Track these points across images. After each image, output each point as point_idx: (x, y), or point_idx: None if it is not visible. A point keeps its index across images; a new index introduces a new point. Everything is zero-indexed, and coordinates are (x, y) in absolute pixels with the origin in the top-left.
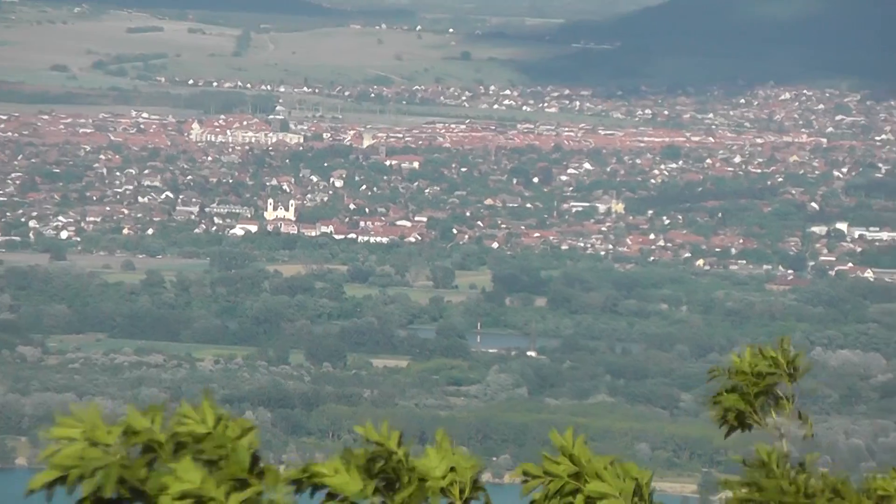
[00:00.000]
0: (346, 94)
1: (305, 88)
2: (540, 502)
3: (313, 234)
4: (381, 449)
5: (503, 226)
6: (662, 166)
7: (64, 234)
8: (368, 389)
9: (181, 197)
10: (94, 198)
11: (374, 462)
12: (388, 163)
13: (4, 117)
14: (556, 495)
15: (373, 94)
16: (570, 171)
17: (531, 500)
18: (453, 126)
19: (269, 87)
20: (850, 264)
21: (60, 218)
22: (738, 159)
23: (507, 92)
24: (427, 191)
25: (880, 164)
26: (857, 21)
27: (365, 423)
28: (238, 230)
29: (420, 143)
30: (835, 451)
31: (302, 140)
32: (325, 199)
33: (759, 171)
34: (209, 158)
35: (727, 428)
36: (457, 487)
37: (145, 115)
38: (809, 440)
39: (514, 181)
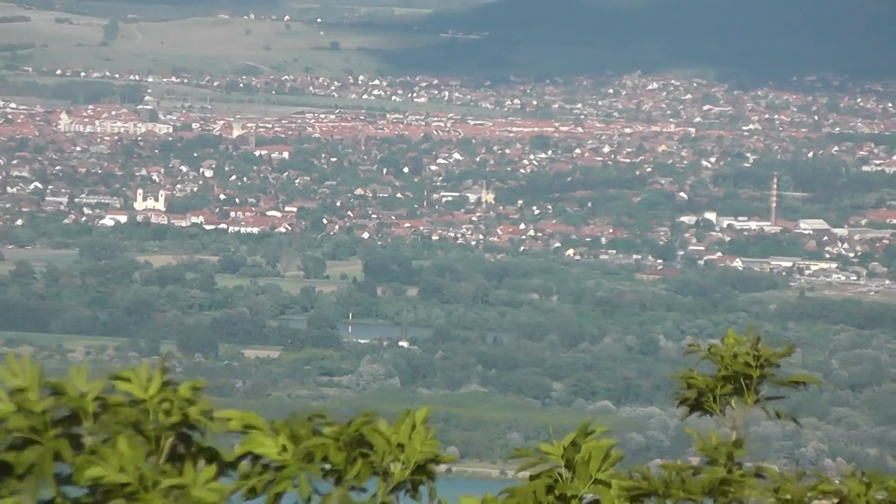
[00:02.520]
0: (215, 84)
1: (174, 78)
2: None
3: (183, 224)
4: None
5: (374, 216)
6: (532, 156)
7: None
8: (241, 380)
9: (50, 187)
10: None
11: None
12: (257, 153)
13: None
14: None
15: (242, 85)
16: (439, 161)
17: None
18: (323, 116)
19: (137, 77)
20: (719, 254)
21: None
22: (606, 149)
23: (377, 82)
24: (297, 181)
25: (748, 154)
26: (722, 10)
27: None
28: (108, 221)
29: (290, 133)
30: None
31: (171, 130)
32: (195, 189)
33: (627, 160)
34: (78, 149)
35: (686, 410)
36: (398, 466)
37: (13, 105)
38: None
39: (384, 171)
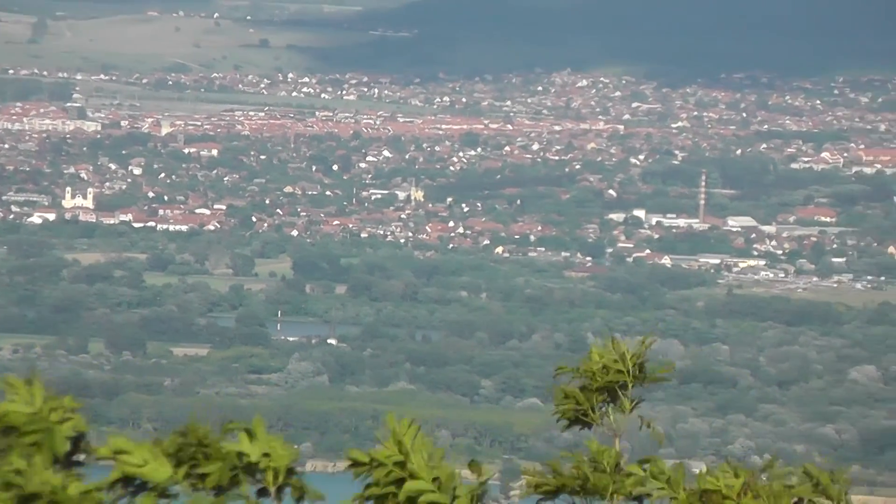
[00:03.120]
0: (144, 81)
1: (103, 76)
2: (363, 492)
3: (112, 222)
4: (192, 435)
5: (303, 213)
6: (461, 154)
7: None
8: (169, 378)
9: None
10: None
11: (185, 448)
12: (186, 151)
13: None
14: (382, 484)
15: (171, 82)
16: (369, 158)
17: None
18: (252, 114)
19: (66, 74)
20: (648, 251)
21: None
22: (536, 146)
23: (306, 79)
24: (226, 179)
25: (676, 152)
26: (651, 7)
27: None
28: (36, 218)
29: (219, 130)
30: (633, 438)
31: (100, 128)
32: (124, 187)
33: (557, 158)
34: (6, 146)
35: (566, 423)
36: (270, 473)
37: None
38: (656, 441)
39: (314, 169)
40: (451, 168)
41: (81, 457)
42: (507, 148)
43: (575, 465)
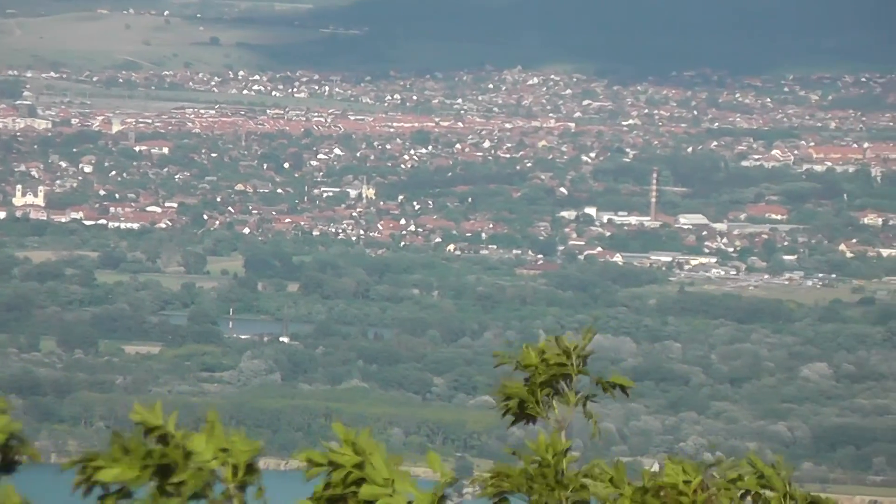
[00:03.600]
0: (95, 79)
1: (53, 74)
2: (319, 492)
3: (63, 220)
4: (156, 433)
5: (254, 211)
6: (412, 151)
7: None
8: (121, 376)
9: None
10: None
11: (151, 449)
12: (137, 148)
13: None
14: (339, 485)
15: (121, 80)
16: (320, 156)
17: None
18: (203, 111)
19: (16, 72)
20: (599, 248)
21: None
22: (487, 144)
23: (257, 77)
24: (177, 176)
25: (627, 149)
26: (602, 5)
27: (135, 408)
28: None
29: (170, 128)
30: (584, 435)
31: (50, 126)
32: (75, 185)
33: (508, 156)
34: None
35: (511, 418)
36: (229, 469)
37: None
38: (596, 437)
39: (265, 166)
40: (403, 166)
41: (17, 458)
42: (458, 146)
43: (521, 470)
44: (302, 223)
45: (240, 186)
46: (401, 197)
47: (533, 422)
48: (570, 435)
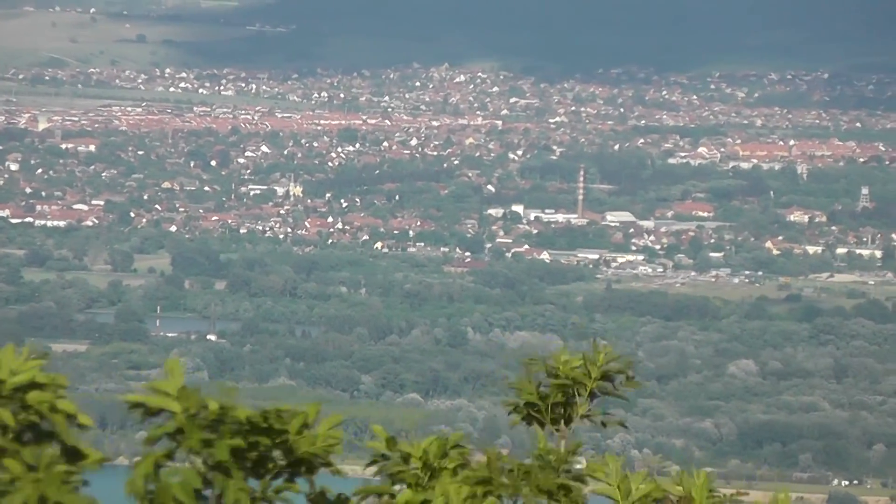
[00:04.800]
0: (21, 77)
1: None
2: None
3: None
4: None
5: (181, 209)
6: (340, 149)
7: None
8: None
9: None
10: None
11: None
12: (64, 146)
13: None
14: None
15: (48, 77)
16: (247, 154)
17: None
18: (129, 109)
19: None
20: (526, 246)
21: None
22: (414, 142)
23: (184, 75)
24: (104, 174)
25: (554, 147)
26: (529, 2)
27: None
28: None
29: (96, 126)
30: (514, 433)
31: None
32: (1, 182)
33: (435, 153)
34: None
35: (516, 417)
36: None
37: None
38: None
39: (192, 164)
40: (330, 163)
41: None
42: (385, 143)
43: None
44: (229, 221)
45: (167, 184)
46: (328, 195)
47: (541, 425)
48: (569, 442)
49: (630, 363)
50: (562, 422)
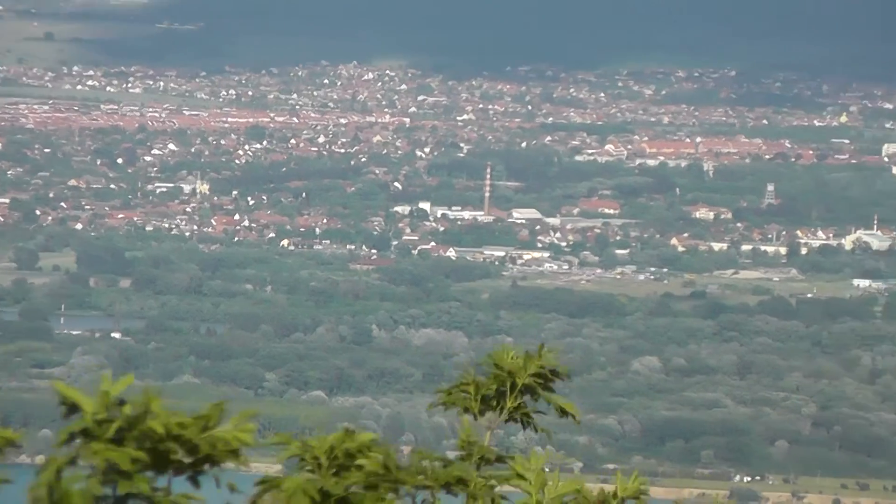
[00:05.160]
0: None
1: None
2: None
3: None
4: None
5: (87, 207)
6: (247, 147)
7: None
8: None
9: None
10: None
11: None
12: None
13: None
14: None
15: None
16: (154, 151)
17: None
18: (36, 107)
19: None
20: (433, 243)
21: None
22: (322, 139)
23: (91, 72)
24: (10, 172)
25: (462, 144)
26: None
27: None
28: None
29: (3, 123)
30: (417, 430)
31: None
32: None
33: (342, 151)
34: None
35: (439, 403)
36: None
37: None
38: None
39: (98, 162)
40: (237, 161)
41: None
42: (292, 141)
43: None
44: (135, 218)
45: (73, 182)
46: (235, 192)
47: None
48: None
49: (567, 370)
50: (491, 413)
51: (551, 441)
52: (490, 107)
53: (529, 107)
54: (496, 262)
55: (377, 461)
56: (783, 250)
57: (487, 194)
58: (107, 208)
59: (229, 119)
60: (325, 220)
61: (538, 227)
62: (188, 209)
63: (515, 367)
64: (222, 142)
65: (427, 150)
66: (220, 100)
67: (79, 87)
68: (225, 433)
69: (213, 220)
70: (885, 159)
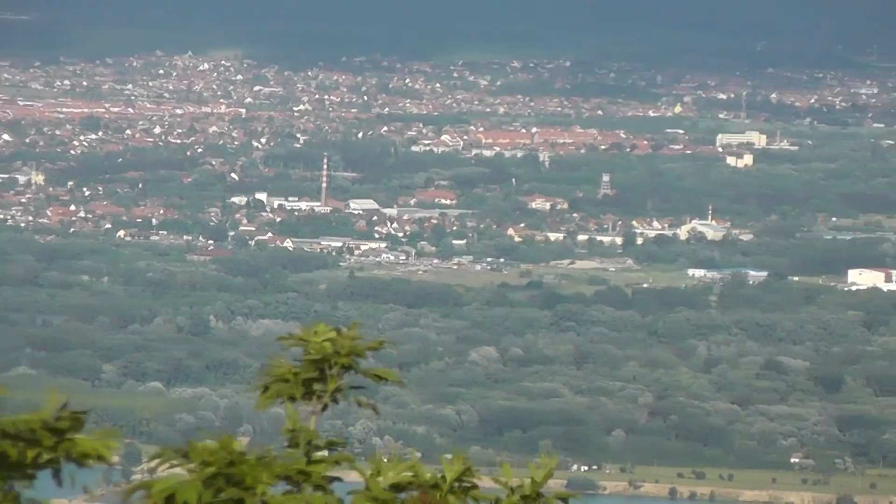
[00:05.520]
0: None
1: None
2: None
3: None
4: None
5: None
6: (82, 137)
7: None
8: None
9: None
10: None
11: None
12: None
13: None
14: None
15: None
16: None
17: None
18: None
19: None
20: (270, 234)
21: None
22: (158, 130)
23: None
24: None
25: (298, 135)
26: None
27: None
28: None
29: None
30: (256, 421)
31: None
32: None
33: (179, 141)
34: None
35: (263, 395)
36: None
37: None
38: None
39: None
40: (73, 152)
41: None
42: (128, 131)
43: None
44: None
45: None
46: (70, 183)
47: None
48: (318, 421)
49: (381, 343)
50: (314, 398)
51: (378, 414)
52: (326, 97)
53: (366, 97)
54: (333, 253)
55: (219, 457)
56: (619, 240)
57: (324, 185)
58: None
59: (64, 109)
60: (161, 211)
61: (375, 217)
62: (23, 200)
63: (327, 349)
64: (57, 132)
65: (263, 140)
66: (55, 90)
67: None
68: (87, 443)
69: (48, 211)
70: (720, 149)
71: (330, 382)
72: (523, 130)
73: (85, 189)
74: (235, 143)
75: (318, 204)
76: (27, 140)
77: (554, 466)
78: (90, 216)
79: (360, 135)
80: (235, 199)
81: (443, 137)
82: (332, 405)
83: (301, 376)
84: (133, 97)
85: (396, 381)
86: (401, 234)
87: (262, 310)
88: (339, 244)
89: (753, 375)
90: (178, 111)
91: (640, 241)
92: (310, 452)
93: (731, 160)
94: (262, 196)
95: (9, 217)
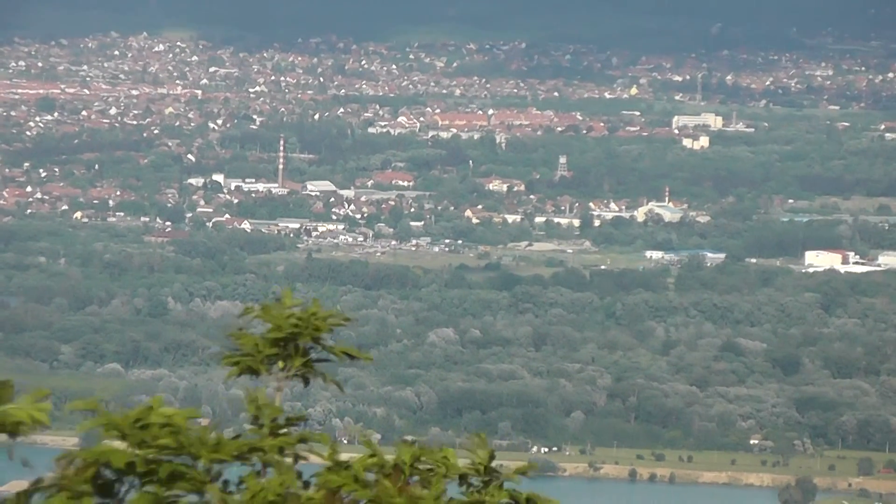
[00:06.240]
0: None
1: None
2: None
3: None
4: None
5: None
6: (38, 118)
7: None
8: None
9: None
10: None
11: None
12: None
13: None
14: None
15: None
16: None
17: None
18: None
19: None
20: (227, 216)
21: None
22: (113, 111)
23: None
24: None
25: (255, 116)
26: None
27: None
28: None
29: None
30: (215, 402)
31: None
32: None
33: (135, 123)
34: None
35: (234, 370)
36: None
37: None
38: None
39: None
40: (28, 133)
41: None
42: (84, 112)
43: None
44: None
45: None
46: (26, 164)
47: (255, 375)
48: (282, 397)
49: (346, 318)
50: (278, 372)
51: (342, 391)
52: (282, 79)
53: (321, 79)
54: (291, 235)
55: (171, 436)
56: (576, 222)
57: (281, 167)
58: None
59: (19, 90)
60: (118, 193)
61: (332, 199)
62: None
63: (292, 325)
64: (12, 113)
65: (220, 122)
66: (10, 71)
67: None
68: (19, 410)
69: (4, 193)
70: (676, 131)
71: (296, 358)
72: (479, 112)
73: (41, 170)
74: (192, 124)
75: (276, 185)
76: None
77: (485, 445)
78: (46, 197)
79: (316, 116)
80: (192, 181)
81: (399, 119)
82: (290, 386)
83: (267, 351)
84: (88, 78)
85: (365, 358)
86: (358, 216)
87: (220, 291)
88: (297, 226)
89: (711, 357)
90: (134, 92)
91: (597, 222)
92: (274, 430)
93: (687, 142)
94: (219, 177)
95: None
